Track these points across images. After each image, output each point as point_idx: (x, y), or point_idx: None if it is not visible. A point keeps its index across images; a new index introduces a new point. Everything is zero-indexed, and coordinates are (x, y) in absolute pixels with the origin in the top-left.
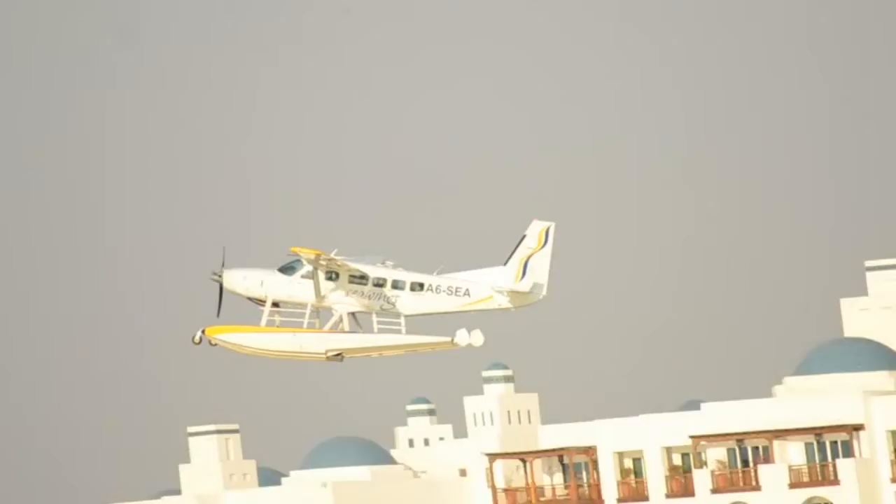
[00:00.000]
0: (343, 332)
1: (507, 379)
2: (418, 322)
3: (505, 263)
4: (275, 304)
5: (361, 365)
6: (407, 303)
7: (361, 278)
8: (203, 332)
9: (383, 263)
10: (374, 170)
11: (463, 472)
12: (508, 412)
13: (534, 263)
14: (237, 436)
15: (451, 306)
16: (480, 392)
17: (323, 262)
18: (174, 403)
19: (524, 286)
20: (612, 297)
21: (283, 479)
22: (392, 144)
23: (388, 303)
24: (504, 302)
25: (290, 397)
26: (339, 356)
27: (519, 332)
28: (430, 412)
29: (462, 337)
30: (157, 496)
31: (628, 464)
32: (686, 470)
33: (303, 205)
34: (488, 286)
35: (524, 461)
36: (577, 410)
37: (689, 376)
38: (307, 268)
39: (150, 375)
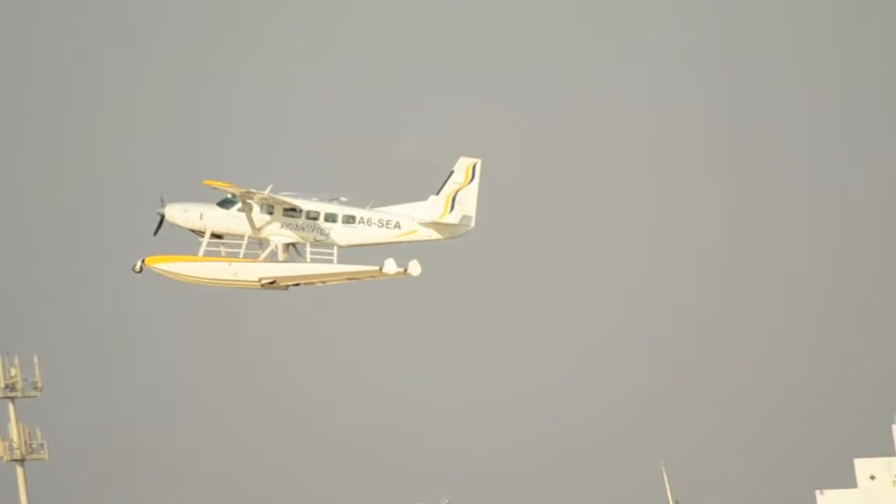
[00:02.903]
0: (277, 261)
1: None
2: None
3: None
4: (218, 237)
5: None
6: (340, 234)
7: (295, 211)
8: (143, 261)
9: (337, 200)
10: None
11: None
12: None
13: (462, 197)
14: None
15: (382, 238)
16: None
17: (252, 196)
18: None
19: (452, 219)
20: None
21: None
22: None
23: (322, 234)
24: (431, 234)
25: None
26: (274, 284)
27: None
28: None
29: (390, 266)
30: None
31: None
32: None
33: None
34: (414, 220)
35: None
36: None
37: None
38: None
39: None
